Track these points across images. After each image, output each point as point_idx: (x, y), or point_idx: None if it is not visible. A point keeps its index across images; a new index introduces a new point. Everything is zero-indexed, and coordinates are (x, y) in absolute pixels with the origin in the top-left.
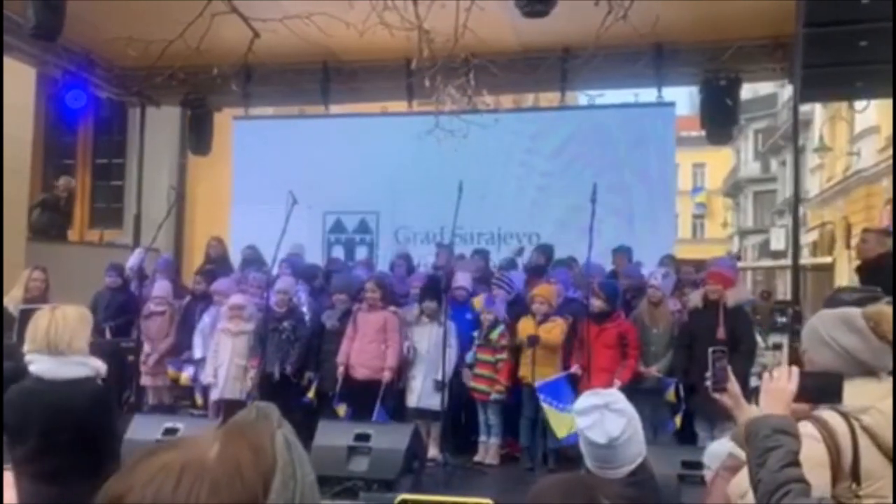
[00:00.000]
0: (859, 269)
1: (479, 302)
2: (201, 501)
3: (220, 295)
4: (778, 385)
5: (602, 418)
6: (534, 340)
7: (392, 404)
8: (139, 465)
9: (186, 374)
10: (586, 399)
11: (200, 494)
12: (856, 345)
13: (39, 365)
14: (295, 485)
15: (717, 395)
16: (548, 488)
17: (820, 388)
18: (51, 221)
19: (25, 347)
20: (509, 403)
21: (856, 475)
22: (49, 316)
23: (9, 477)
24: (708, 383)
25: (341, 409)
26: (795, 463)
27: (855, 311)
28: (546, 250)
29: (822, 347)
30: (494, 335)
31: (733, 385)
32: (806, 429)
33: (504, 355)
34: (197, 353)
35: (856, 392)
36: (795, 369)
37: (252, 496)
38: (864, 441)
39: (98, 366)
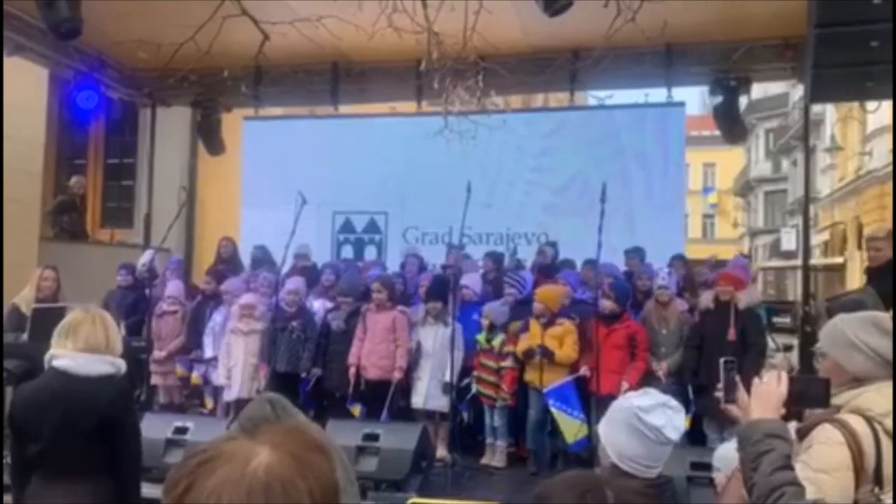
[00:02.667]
0: (870, 273)
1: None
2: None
3: (230, 294)
4: (768, 389)
5: (671, 415)
6: (544, 353)
7: (400, 404)
8: (197, 483)
9: (197, 374)
10: (646, 398)
11: (288, 500)
12: (887, 347)
13: (66, 361)
14: (350, 477)
15: (727, 407)
16: (555, 484)
17: (808, 393)
18: (72, 222)
19: (66, 347)
20: (516, 406)
21: (878, 479)
22: (100, 317)
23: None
24: (719, 394)
25: (356, 410)
26: (788, 466)
27: (883, 314)
28: (547, 248)
29: (850, 350)
30: (497, 342)
31: (743, 395)
32: (830, 433)
33: (508, 362)
34: (207, 353)
35: (880, 395)
36: (784, 374)
37: (334, 492)
38: (886, 444)
39: (120, 364)
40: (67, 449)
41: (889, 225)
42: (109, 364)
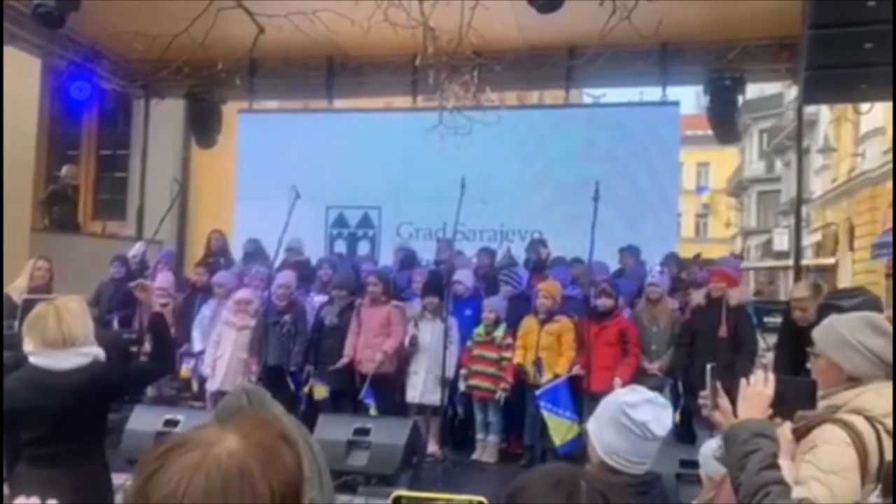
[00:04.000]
0: (788, 333)
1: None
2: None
3: (220, 287)
4: (755, 390)
5: (658, 411)
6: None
7: (391, 397)
8: (162, 469)
9: (187, 367)
10: (633, 394)
11: (244, 489)
12: (883, 347)
13: (42, 357)
14: (320, 469)
15: (709, 414)
16: (530, 475)
17: (795, 394)
18: (63, 213)
19: (30, 343)
20: (510, 401)
21: (880, 478)
22: (55, 311)
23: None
24: (703, 401)
25: (320, 390)
26: (774, 465)
27: (878, 315)
28: (539, 245)
29: (847, 351)
30: (499, 333)
31: (723, 401)
32: (836, 433)
33: (509, 354)
34: (196, 346)
35: (879, 395)
36: (772, 375)
37: (295, 483)
38: (888, 444)
39: (97, 352)
40: (55, 440)
41: (880, 225)
42: (82, 356)
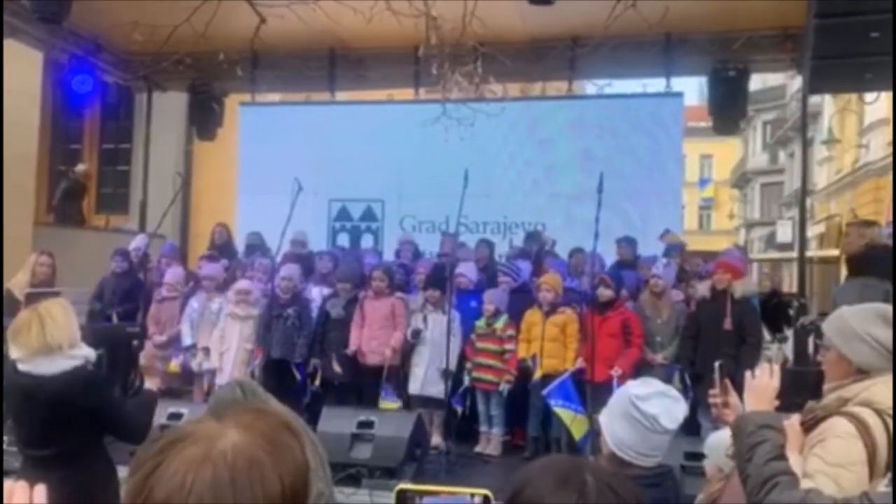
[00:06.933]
0: (847, 262)
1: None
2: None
3: (208, 280)
4: (761, 382)
5: (669, 404)
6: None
7: (397, 391)
8: (163, 464)
9: (175, 363)
10: (643, 387)
11: (254, 480)
12: (892, 339)
13: (29, 364)
14: (322, 461)
15: (720, 413)
16: (535, 469)
17: (801, 385)
18: (73, 208)
19: (15, 350)
20: (514, 393)
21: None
22: (38, 319)
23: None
24: (713, 400)
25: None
26: (781, 456)
27: (888, 306)
28: (534, 238)
29: (857, 343)
30: (500, 324)
31: (733, 398)
32: (844, 426)
33: (511, 346)
34: (186, 340)
35: (888, 388)
36: (777, 367)
37: (303, 474)
38: None
39: (87, 353)
40: (48, 442)
41: (884, 216)
42: (70, 358)
